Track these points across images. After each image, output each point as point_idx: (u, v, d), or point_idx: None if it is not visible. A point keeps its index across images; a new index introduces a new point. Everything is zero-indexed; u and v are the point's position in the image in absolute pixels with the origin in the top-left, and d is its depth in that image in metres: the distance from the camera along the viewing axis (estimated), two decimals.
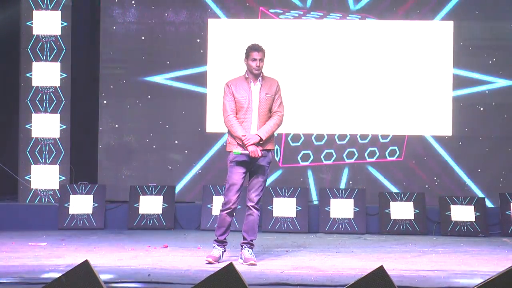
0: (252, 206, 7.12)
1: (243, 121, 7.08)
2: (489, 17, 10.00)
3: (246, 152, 6.99)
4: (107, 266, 6.76)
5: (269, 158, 7.18)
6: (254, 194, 7.12)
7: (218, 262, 7.05)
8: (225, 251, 7.21)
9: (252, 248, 7.16)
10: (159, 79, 10.10)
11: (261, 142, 7.04)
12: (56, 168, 9.89)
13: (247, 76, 7.14)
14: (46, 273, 6.35)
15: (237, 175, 7.09)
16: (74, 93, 10.06)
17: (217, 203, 9.19)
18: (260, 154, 7.00)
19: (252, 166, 7.12)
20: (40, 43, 9.89)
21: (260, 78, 7.14)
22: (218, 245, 7.16)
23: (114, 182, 10.04)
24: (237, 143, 7.06)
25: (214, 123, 9.92)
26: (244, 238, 7.17)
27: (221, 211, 7.12)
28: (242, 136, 6.99)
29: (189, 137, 10.10)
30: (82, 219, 9.53)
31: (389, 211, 9.54)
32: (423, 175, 9.98)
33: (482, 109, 9.97)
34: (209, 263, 7.01)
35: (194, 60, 10.08)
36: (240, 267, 6.63)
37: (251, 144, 6.98)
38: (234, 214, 7.18)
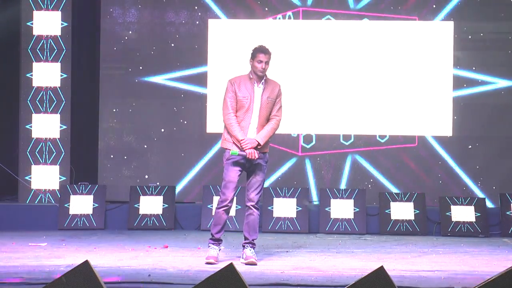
0: (252, 206, 7.15)
1: (241, 120, 7.12)
2: (489, 17, 9.99)
3: (244, 153, 7.03)
4: (107, 267, 6.77)
5: (266, 158, 7.24)
6: (253, 193, 7.15)
7: (217, 262, 7.06)
8: (220, 249, 7.22)
9: (254, 248, 7.17)
10: (159, 79, 10.10)
11: (258, 147, 7.07)
12: (56, 168, 9.89)
13: (251, 77, 7.16)
14: (46, 273, 6.35)
15: (233, 172, 7.11)
16: (74, 93, 10.06)
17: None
18: (257, 157, 7.05)
19: (249, 165, 7.16)
20: (40, 43, 9.89)
21: (263, 80, 7.16)
22: (213, 244, 7.17)
23: (114, 183, 10.04)
24: (233, 141, 7.09)
25: (214, 123, 9.92)
26: (246, 238, 7.18)
27: (217, 208, 7.15)
28: (241, 140, 7.02)
29: (189, 137, 10.10)
30: (82, 219, 9.53)
31: (389, 211, 9.53)
32: (423, 176, 9.98)
33: (482, 109, 9.96)
34: (211, 263, 7.01)
35: (194, 60, 10.08)
36: (240, 267, 6.63)
37: (249, 148, 7.01)
38: (229, 212, 7.21)
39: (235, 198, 7.25)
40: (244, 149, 7.04)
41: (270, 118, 7.18)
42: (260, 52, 7.10)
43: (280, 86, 7.26)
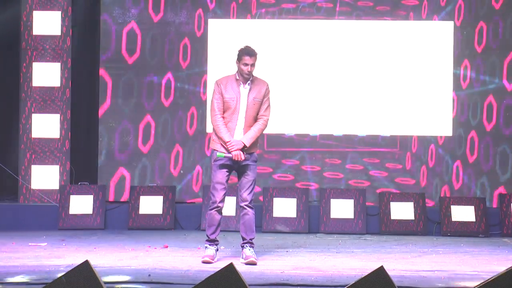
0: (246, 205, 7.15)
1: (228, 121, 7.11)
2: (489, 17, 9.99)
3: (230, 155, 7.05)
4: (107, 266, 6.76)
5: (254, 157, 7.23)
6: (246, 193, 7.15)
7: (214, 261, 7.08)
8: (217, 249, 7.23)
9: (253, 247, 7.18)
10: (159, 79, 10.10)
11: (245, 148, 7.07)
12: (56, 168, 9.89)
13: (237, 78, 7.14)
14: (46, 273, 6.35)
15: (221, 173, 7.13)
16: (74, 93, 10.06)
17: None
18: (243, 158, 7.05)
19: (237, 166, 7.17)
20: (40, 43, 9.89)
21: (250, 81, 7.14)
22: (210, 245, 7.20)
23: (114, 183, 10.04)
24: (220, 143, 7.10)
25: None
26: (244, 238, 7.19)
27: (210, 209, 7.18)
28: (227, 142, 7.03)
29: (189, 137, 10.10)
30: (82, 219, 9.53)
31: (389, 211, 9.53)
32: (424, 175, 9.98)
33: (482, 109, 9.97)
34: (207, 262, 7.03)
35: (194, 60, 10.09)
36: (240, 267, 6.63)
37: (235, 150, 7.02)
38: (222, 212, 7.22)
39: (230, 198, 7.23)
40: (230, 151, 7.05)
41: (257, 118, 7.17)
42: (245, 55, 7.06)
43: (268, 85, 7.24)
